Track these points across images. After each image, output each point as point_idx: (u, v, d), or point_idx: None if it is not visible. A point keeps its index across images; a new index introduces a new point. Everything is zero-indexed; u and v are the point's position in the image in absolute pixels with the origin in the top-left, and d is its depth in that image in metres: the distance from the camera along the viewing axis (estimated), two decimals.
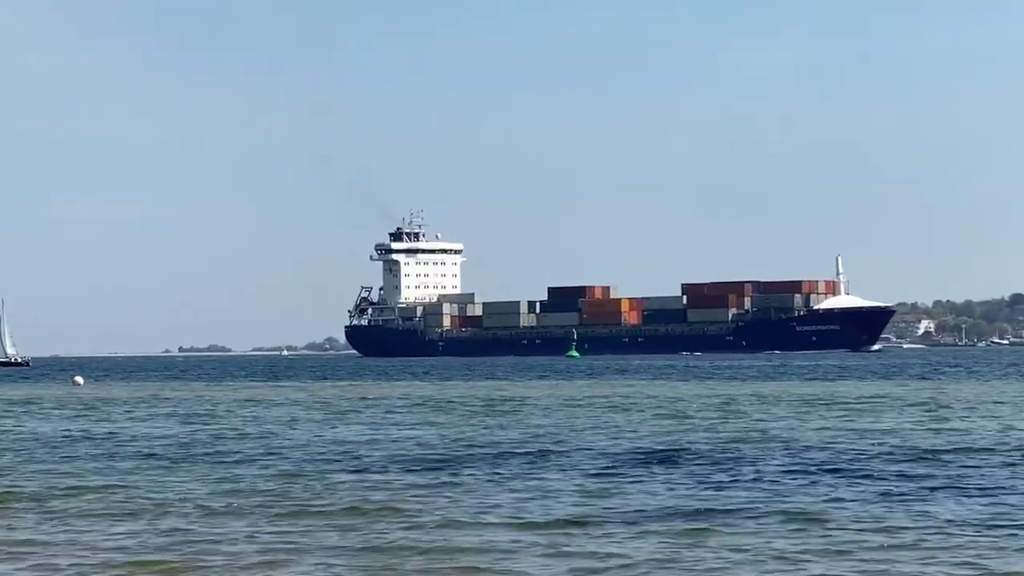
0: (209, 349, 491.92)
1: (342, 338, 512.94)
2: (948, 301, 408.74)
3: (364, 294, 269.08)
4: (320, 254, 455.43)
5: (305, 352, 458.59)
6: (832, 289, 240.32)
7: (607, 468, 35.82)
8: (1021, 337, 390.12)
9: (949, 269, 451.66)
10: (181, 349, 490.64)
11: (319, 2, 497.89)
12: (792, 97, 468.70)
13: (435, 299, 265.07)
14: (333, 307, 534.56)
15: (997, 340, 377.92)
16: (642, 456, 39.22)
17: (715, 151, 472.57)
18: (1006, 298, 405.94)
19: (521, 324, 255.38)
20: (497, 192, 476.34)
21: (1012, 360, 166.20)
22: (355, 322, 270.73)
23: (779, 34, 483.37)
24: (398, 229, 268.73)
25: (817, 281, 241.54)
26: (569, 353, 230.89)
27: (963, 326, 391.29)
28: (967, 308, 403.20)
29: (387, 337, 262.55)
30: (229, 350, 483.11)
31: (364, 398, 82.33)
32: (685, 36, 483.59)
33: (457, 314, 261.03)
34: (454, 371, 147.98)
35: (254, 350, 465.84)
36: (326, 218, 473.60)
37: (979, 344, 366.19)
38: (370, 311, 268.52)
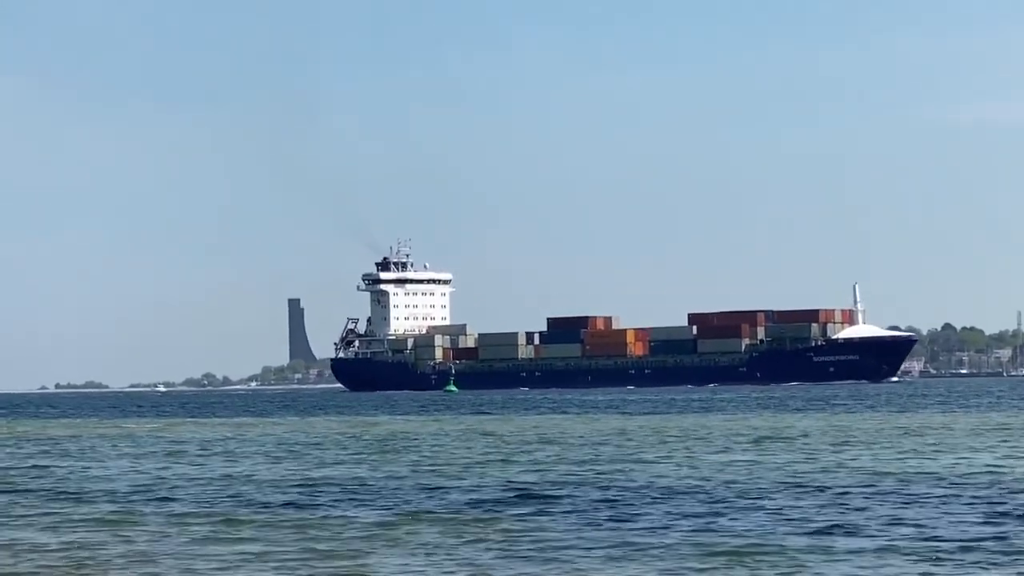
0: (86, 385, 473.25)
1: (219, 373, 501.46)
2: None
3: (351, 326, 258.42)
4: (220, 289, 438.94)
5: (183, 388, 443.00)
6: (849, 318, 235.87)
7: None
8: None
9: (823, 294, 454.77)
10: (58, 385, 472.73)
11: (302, 25, 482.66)
12: (802, 118, 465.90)
13: (424, 330, 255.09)
14: (214, 343, 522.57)
15: None
16: None
17: (720, 176, 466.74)
18: None
19: (520, 356, 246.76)
20: (486, 219, 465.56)
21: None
22: (341, 354, 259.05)
23: (788, 45, 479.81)
24: (385, 259, 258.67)
25: (834, 310, 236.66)
26: (448, 388, 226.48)
27: None
28: None
29: (376, 370, 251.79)
30: (106, 386, 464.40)
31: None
32: (690, 53, 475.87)
33: (449, 346, 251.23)
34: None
35: (131, 386, 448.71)
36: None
37: None
38: (357, 343, 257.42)
